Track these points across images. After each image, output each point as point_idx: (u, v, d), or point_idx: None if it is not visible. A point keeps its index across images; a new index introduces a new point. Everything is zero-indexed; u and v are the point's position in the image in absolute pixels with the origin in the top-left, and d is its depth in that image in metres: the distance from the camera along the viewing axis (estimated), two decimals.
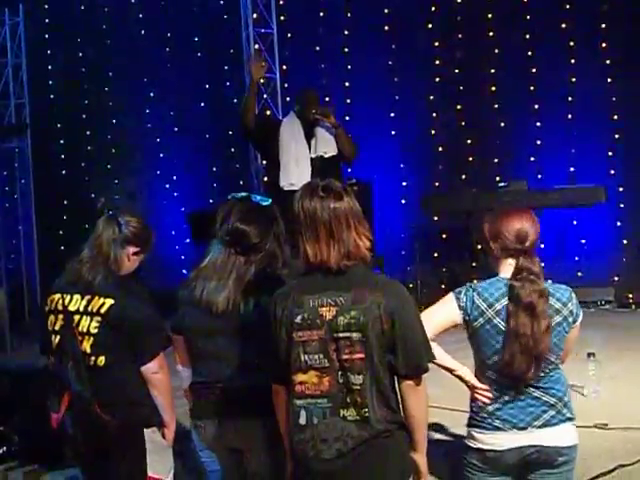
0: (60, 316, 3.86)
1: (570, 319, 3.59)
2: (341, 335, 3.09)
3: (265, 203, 3.66)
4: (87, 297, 3.83)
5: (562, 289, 3.64)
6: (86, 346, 3.80)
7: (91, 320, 3.80)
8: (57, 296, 3.90)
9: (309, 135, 8.13)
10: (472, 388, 3.67)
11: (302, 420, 3.14)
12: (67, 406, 3.81)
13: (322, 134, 8.20)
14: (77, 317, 3.82)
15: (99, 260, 3.86)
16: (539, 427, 3.55)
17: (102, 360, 3.79)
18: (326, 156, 8.16)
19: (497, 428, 3.56)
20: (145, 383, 3.87)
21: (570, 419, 3.61)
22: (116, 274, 3.90)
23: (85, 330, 3.80)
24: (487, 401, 3.58)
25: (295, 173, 8.03)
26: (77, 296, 3.85)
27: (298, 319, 3.12)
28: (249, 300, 3.51)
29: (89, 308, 3.81)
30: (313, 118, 8.11)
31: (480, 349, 3.62)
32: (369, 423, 3.09)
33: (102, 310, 3.80)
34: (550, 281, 3.66)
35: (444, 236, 10.55)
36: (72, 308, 3.83)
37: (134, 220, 4.00)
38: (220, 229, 3.62)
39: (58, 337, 3.85)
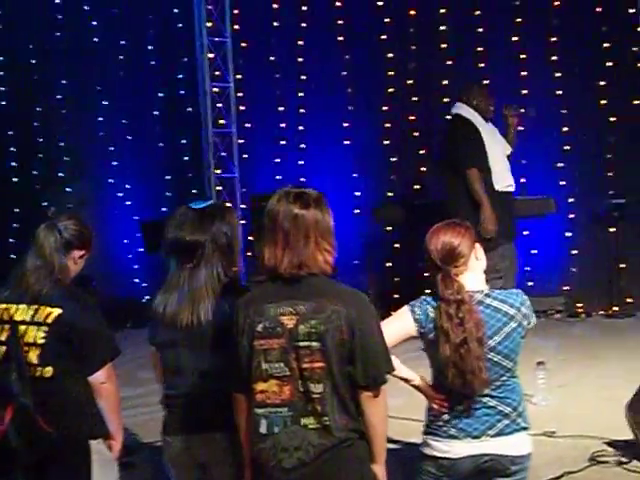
0: (6, 326, 3.78)
1: (525, 322, 3.64)
2: (301, 344, 3.08)
3: (200, 206, 3.63)
4: (34, 307, 3.76)
5: (514, 294, 3.68)
6: (32, 357, 3.73)
7: (38, 330, 3.73)
8: (3, 307, 3.81)
9: None
10: (429, 398, 3.70)
11: (263, 429, 3.12)
12: (11, 418, 3.75)
13: (497, 131, 8.16)
14: (23, 327, 3.75)
15: (45, 269, 3.80)
16: (493, 436, 3.58)
17: (49, 371, 3.73)
18: (509, 153, 8.17)
19: (452, 436, 3.59)
20: (92, 393, 3.83)
21: (525, 428, 3.65)
22: (63, 282, 3.83)
23: (32, 341, 3.73)
24: (444, 410, 3.61)
25: (506, 172, 8.00)
26: (23, 306, 3.77)
27: (259, 327, 3.11)
28: (208, 309, 3.49)
29: (36, 318, 3.75)
30: (504, 115, 8.11)
31: (435, 360, 3.65)
32: (330, 432, 3.08)
33: (49, 320, 3.74)
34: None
35: (396, 246, 10.60)
36: (18, 318, 3.77)
37: (72, 222, 3.93)
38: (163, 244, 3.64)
39: (4, 348, 3.79)
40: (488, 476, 3.64)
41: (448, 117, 8.29)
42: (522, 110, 8.32)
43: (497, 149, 7.97)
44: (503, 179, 7.94)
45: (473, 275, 3.69)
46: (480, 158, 7.79)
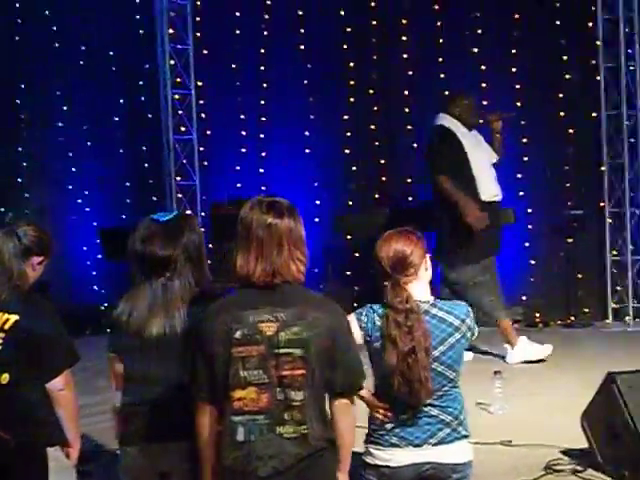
0: None
1: (469, 334, 3.68)
2: (282, 351, 3.08)
3: (165, 218, 3.62)
4: None
5: (459, 306, 3.72)
6: None
7: None
8: None
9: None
10: (371, 406, 3.72)
11: (240, 437, 3.09)
12: None
13: (483, 139, 8.17)
14: None
15: (3, 276, 3.77)
16: (434, 444, 3.61)
17: (6, 378, 3.70)
18: (495, 161, 8.18)
19: (393, 445, 3.61)
20: (50, 400, 3.80)
21: (465, 437, 3.68)
22: (22, 289, 3.81)
23: None
24: (385, 419, 3.63)
25: (492, 182, 8.02)
26: None
27: (237, 334, 3.09)
28: (182, 319, 3.48)
29: None
30: (488, 122, 8.14)
31: (380, 369, 3.67)
32: (307, 440, 3.09)
33: (6, 326, 3.71)
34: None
35: (356, 255, 10.63)
36: None
37: (31, 229, 3.91)
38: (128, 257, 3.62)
39: None
40: None
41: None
42: (505, 115, 8.42)
43: (482, 158, 8.01)
44: (488, 189, 7.98)
45: (421, 285, 3.72)
46: (454, 167, 7.82)
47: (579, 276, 10.02)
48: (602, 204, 9.97)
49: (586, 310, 10.01)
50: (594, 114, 9.99)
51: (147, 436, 3.50)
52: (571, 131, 10.01)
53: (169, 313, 3.47)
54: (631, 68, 9.86)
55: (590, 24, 9.95)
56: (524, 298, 10.15)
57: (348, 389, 3.19)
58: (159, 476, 3.51)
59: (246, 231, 3.16)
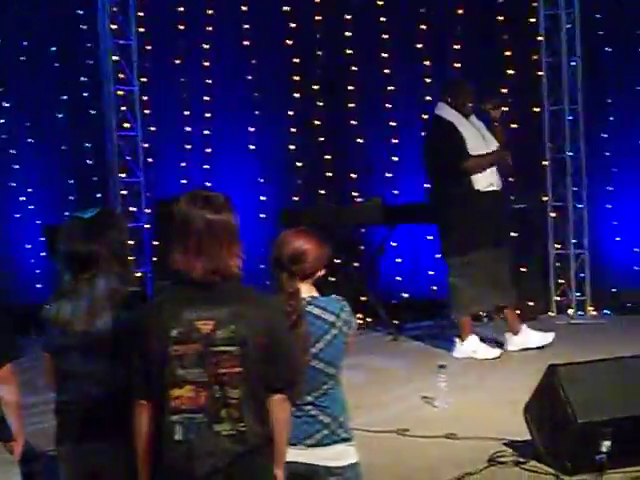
0: None
1: (345, 328, 3.68)
2: (219, 349, 3.06)
3: (88, 214, 3.59)
4: None
5: (333, 301, 3.73)
6: None
7: None
8: None
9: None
10: None
11: (178, 436, 3.07)
12: None
13: (484, 127, 8.15)
14: None
15: None
16: (310, 445, 3.60)
17: None
18: (495, 149, 8.13)
19: None
20: None
21: (345, 439, 3.66)
22: None
23: None
24: None
25: (488, 171, 7.96)
26: None
27: (174, 333, 3.06)
28: (104, 316, 3.46)
29: None
30: (485, 111, 8.11)
31: None
32: (244, 438, 3.07)
33: None
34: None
35: None
36: None
37: None
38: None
39: None
40: None
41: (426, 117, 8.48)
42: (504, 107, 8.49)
43: (479, 146, 8.00)
44: (484, 178, 7.96)
45: (308, 283, 3.73)
46: (451, 157, 7.86)
47: (522, 269, 10.10)
48: (545, 198, 10.08)
49: (530, 303, 10.09)
50: (536, 109, 10.09)
51: (78, 435, 3.49)
52: (514, 126, 10.08)
53: (94, 311, 3.46)
54: (572, 64, 9.98)
55: (532, 19, 10.05)
56: None
57: (286, 385, 3.19)
58: (91, 476, 3.49)
59: (183, 226, 3.12)
